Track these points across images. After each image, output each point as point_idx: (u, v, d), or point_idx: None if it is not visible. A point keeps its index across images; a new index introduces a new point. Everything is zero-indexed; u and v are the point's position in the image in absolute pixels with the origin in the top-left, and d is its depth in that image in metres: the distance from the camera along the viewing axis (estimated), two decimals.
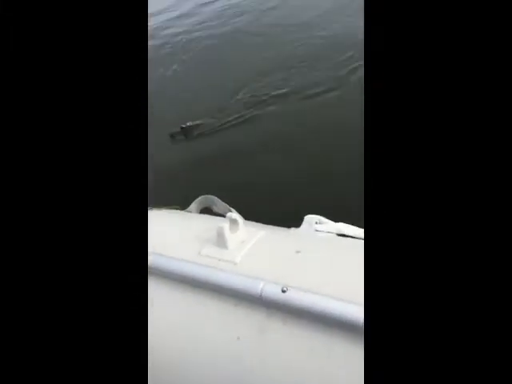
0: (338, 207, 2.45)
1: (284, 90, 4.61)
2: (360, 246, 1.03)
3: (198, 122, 4.40)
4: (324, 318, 0.79)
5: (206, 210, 1.47)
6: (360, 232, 1.10)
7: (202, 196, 1.48)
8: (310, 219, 1.16)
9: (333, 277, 0.89)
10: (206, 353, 0.90)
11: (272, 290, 0.84)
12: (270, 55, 5.35)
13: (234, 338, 0.87)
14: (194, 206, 1.46)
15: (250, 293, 0.86)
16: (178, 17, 7.78)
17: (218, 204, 1.45)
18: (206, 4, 7.98)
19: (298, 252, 0.98)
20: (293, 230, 1.17)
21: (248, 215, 1.22)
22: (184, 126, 4.33)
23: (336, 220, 1.16)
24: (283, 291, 0.83)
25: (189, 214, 1.43)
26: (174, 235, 1.14)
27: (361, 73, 4.29)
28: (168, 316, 0.96)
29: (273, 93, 4.60)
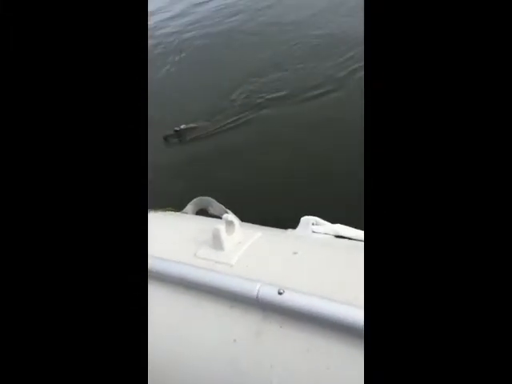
0: (337, 207, 2.46)
1: (281, 91, 4.59)
2: (357, 247, 1.04)
3: (192, 124, 4.35)
4: (321, 320, 0.79)
5: (202, 212, 1.47)
6: (357, 233, 1.09)
7: (198, 198, 1.48)
8: (307, 220, 1.16)
9: (329, 278, 0.89)
10: (203, 355, 0.90)
11: (268, 292, 0.84)
12: (265, 55, 5.35)
13: (231, 340, 0.86)
14: (189, 207, 1.46)
15: (246, 295, 0.86)
16: (172, 17, 7.76)
17: (214, 205, 1.45)
18: (200, 4, 7.97)
19: (294, 253, 0.97)
20: (289, 231, 1.17)
21: (244, 217, 1.21)
22: (178, 128, 4.27)
23: (334, 221, 1.16)
24: (279, 293, 0.83)
25: (185, 215, 1.43)
26: (170, 237, 1.14)
27: (360, 72, 4.30)
28: (164, 318, 0.95)
29: (270, 94, 4.58)
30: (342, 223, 1.13)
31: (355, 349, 0.75)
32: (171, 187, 3.36)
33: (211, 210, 1.45)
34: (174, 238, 1.13)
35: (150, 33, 6.99)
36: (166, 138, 4.28)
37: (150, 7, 7.42)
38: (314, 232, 1.13)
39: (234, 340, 0.86)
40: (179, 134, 4.28)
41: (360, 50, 4.57)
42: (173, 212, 1.42)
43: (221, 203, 1.43)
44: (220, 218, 1.09)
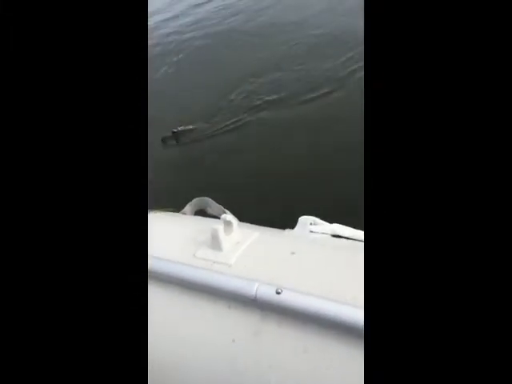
0: (335, 208, 2.46)
1: (281, 91, 4.58)
2: (355, 247, 1.04)
3: (190, 126, 4.32)
4: (319, 320, 0.79)
5: (201, 212, 1.47)
6: (355, 233, 1.09)
7: (197, 198, 1.48)
8: (305, 220, 1.16)
9: (328, 278, 0.89)
10: (201, 355, 0.90)
11: (266, 292, 0.84)
12: (264, 55, 5.34)
13: (229, 340, 0.86)
14: (188, 208, 1.46)
15: (244, 294, 0.86)
16: (170, 18, 7.75)
17: (213, 206, 1.45)
18: (199, 5, 7.96)
19: (292, 253, 0.97)
20: (287, 231, 1.17)
21: (242, 217, 1.22)
22: (176, 130, 4.24)
23: (332, 221, 1.16)
24: (278, 293, 0.83)
25: (183, 216, 1.43)
26: (168, 237, 1.14)
27: (359, 72, 4.30)
28: (162, 318, 0.95)
29: (269, 95, 4.57)
30: (339, 223, 1.13)
31: (354, 348, 0.75)
32: (170, 187, 3.36)
33: (210, 211, 1.45)
34: (172, 239, 1.13)
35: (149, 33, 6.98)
36: (163, 140, 4.25)
37: (150, 8, 7.41)
38: (311, 232, 1.13)
39: (233, 340, 0.86)
40: (177, 135, 4.25)
41: (359, 49, 4.58)
42: (171, 212, 1.42)
43: (219, 204, 1.44)
44: (218, 218, 1.09)
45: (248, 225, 1.18)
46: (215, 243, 0.99)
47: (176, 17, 7.71)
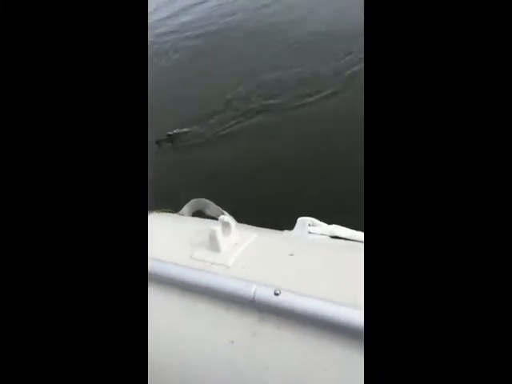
0: (334, 208, 2.46)
1: (280, 92, 4.58)
2: (353, 247, 1.04)
3: (185, 129, 4.28)
4: (317, 321, 0.79)
5: (199, 213, 1.47)
6: (353, 234, 1.09)
7: (195, 199, 1.47)
8: (303, 221, 1.16)
9: (326, 279, 0.89)
10: (199, 356, 0.89)
11: (265, 293, 0.84)
12: (264, 55, 5.34)
13: (227, 342, 0.86)
14: (186, 209, 1.45)
15: (242, 296, 0.86)
16: (168, 17, 7.75)
17: (211, 207, 1.45)
18: (195, 5, 7.96)
19: (291, 255, 0.97)
20: (286, 232, 1.17)
21: (241, 218, 1.21)
22: (171, 133, 4.20)
23: (330, 222, 1.16)
24: (276, 294, 0.83)
25: (181, 217, 1.43)
26: (166, 239, 1.14)
27: (358, 71, 4.30)
28: (160, 320, 0.95)
29: (269, 96, 4.57)
30: (338, 224, 1.13)
31: (352, 350, 0.75)
32: (168, 188, 3.36)
33: (208, 212, 1.45)
34: (170, 240, 1.13)
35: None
36: (158, 143, 4.20)
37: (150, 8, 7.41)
38: (310, 233, 1.13)
39: (231, 341, 0.86)
40: (172, 138, 4.21)
41: (357, 49, 4.59)
42: (169, 213, 1.41)
43: (217, 204, 1.43)
44: (216, 219, 1.09)
45: (246, 226, 1.18)
46: (213, 244, 0.99)
47: (173, 16, 7.71)
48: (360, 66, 4.32)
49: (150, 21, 7.33)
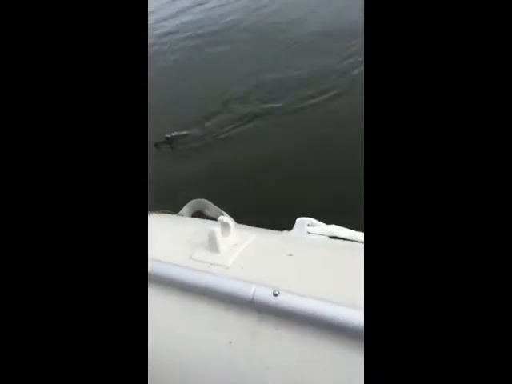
0: (336, 210, 2.46)
1: (280, 92, 4.57)
2: (352, 248, 1.04)
3: (184, 132, 4.24)
4: (316, 321, 0.79)
5: (198, 214, 1.47)
6: (352, 234, 1.09)
7: (194, 200, 1.47)
8: (302, 221, 1.16)
9: (325, 280, 0.89)
10: (199, 357, 0.90)
11: (264, 294, 0.84)
12: (263, 55, 5.34)
13: (226, 342, 0.86)
14: (185, 209, 1.45)
15: (241, 296, 0.86)
16: (167, 17, 7.74)
17: (210, 207, 1.45)
18: (194, 6, 7.96)
19: (290, 255, 0.97)
20: (285, 232, 1.17)
21: (240, 219, 1.21)
22: (169, 135, 4.16)
23: (329, 222, 1.16)
24: (275, 295, 0.83)
25: (180, 217, 1.43)
26: (165, 239, 1.14)
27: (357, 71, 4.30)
28: (159, 320, 0.95)
29: (268, 97, 4.56)
30: (336, 224, 1.13)
31: (351, 350, 0.75)
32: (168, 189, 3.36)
33: (207, 212, 1.45)
34: (169, 240, 1.13)
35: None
36: (156, 145, 4.16)
37: (150, 8, 7.39)
38: (309, 233, 1.13)
39: (230, 342, 0.86)
40: (170, 141, 4.17)
41: (356, 48, 4.58)
42: (169, 214, 1.41)
43: (216, 205, 1.43)
44: (216, 219, 1.09)
45: (245, 226, 1.18)
46: (212, 245, 0.99)
47: (173, 16, 7.71)
48: (360, 69, 4.32)
49: (150, 21, 7.33)
